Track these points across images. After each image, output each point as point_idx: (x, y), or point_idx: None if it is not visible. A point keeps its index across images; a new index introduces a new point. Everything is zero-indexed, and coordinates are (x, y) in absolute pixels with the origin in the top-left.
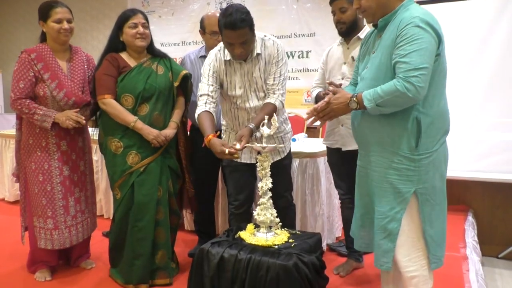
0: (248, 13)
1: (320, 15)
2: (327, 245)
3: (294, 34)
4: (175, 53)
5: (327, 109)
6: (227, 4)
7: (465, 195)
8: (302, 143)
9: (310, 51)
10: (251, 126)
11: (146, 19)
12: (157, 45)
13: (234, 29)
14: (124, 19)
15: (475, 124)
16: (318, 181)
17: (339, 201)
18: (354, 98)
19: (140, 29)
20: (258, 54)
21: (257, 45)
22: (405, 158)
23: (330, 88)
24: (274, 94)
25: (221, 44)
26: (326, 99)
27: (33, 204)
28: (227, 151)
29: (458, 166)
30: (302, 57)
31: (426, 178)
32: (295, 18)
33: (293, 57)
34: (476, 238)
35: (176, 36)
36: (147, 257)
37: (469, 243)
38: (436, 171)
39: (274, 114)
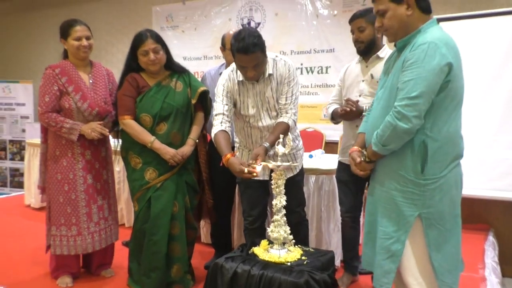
0: (260, 36)
1: (339, 31)
2: (341, 261)
3: (314, 50)
4: (197, 67)
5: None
6: (248, 19)
7: (486, 214)
8: (319, 160)
9: (330, 66)
10: (265, 145)
11: (158, 40)
12: (180, 59)
13: (246, 53)
14: (136, 45)
15: (496, 142)
16: (334, 198)
17: (340, 218)
18: (366, 158)
19: (151, 56)
20: (270, 75)
21: (269, 65)
22: (410, 182)
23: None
24: (287, 113)
25: (233, 65)
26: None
27: (57, 214)
28: (246, 170)
29: (479, 184)
30: (322, 72)
31: (431, 203)
32: (314, 34)
33: (312, 72)
34: (496, 259)
35: (198, 51)
36: (162, 271)
37: (488, 264)
38: (444, 196)
39: (289, 133)
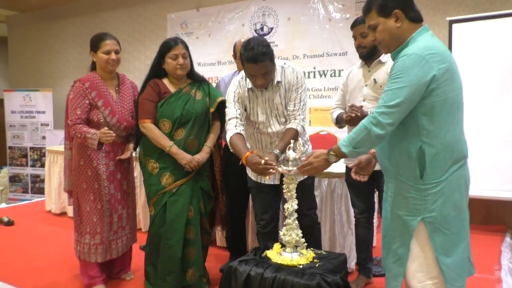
0: (268, 45)
1: (352, 35)
2: (356, 263)
3: (327, 53)
4: (211, 73)
5: (308, 168)
6: (261, 25)
7: (503, 215)
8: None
9: (342, 69)
10: (275, 152)
11: (187, 48)
12: (195, 65)
13: (256, 62)
14: (166, 49)
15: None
16: (347, 201)
17: (354, 219)
18: (331, 152)
19: (180, 60)
20: (278, 82)
21: (277, 73)
22: (411, 187)
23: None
24: (295, 119)
25: (243, 72)
26: (306, 159)
27: (84, 222)
28: (263, 161)
29: (496, 186)
30: (334, 75)
31: (434, 207)
32: (327, 38)
33: (325, 76)
34: None
35: (212, 56)
36: (178, 274)
37: (504, 265)
38: (447, 200)
39: (300, 138)
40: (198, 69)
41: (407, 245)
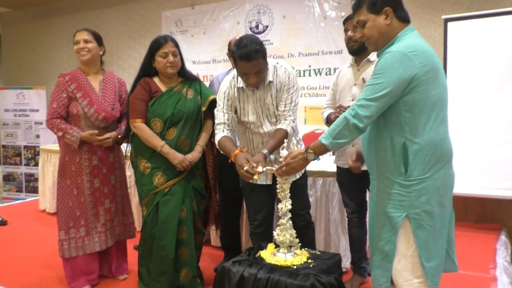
0: (261, 43)
1: (344, 29)
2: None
3: (322, 52)
4: (206, 71)
5: (287, 169)
6: (257, 23)
7: (498, 213)
8: (327, 162)
9: (337, 68)
10: (264, 152)
11: (177, 45)
12: (189, 63)
13: (249, 60)
14: (156, 47)
15: (507, 141)
16: (341, 200)
17: (347, 219)
18: (310, 150)
19: (170, 58)
20: (270, 82)
21: (269, 72)
22: (396, 183)
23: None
24: (286, 120)
25: (234, 71)
26: (283, 161)
27: (66, 218)
28: (246, 167)
29: (491, 184)
30: (330, 74)
31: (418, 204)
32: (322, 36)
33: (320, 74)
34: (508, 259)
35: (207, 54)
36: (171, 275)
37: (499, 264)
38: (431, 197)
39: (293, 138)
40: (193, 67)
41: (393, 242)
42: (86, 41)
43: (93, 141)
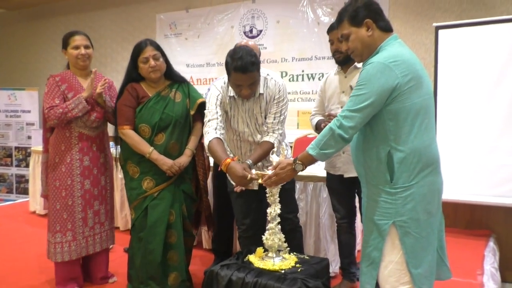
0: (256, 55)
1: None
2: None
3: (315, 57)
4: (200, 74)
5: (276, 179)
6: (250, 27)
7: (487, 220)
8: (317, 167)
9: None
10: (248, 162)
11: (158, 48)
12: (183, 66)
13: (244, 72)
14: (136, 53)
15: (497, 148)
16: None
17: (336, 224)
18: (298, 161)
19: (151, 62)
20: (260, 94)
21: (260, 84)
22: (382, 191)
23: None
24: (274, 133)
25: (225, 78)
26: (272, 169)
27: (53, 221)
28: (249, 176)
29: (480, 190)
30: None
31: (404, 211)
32: (316, 41)
33: (313, 79)
34: (495, 265)
35: (201, 58)
36: (159, 279)
37: (487, 270)
38: (417, 204)
39: (283, 143)
40: (186, 71)
41: (379, 249)
42: (87, 47)
43: (99, 90)
